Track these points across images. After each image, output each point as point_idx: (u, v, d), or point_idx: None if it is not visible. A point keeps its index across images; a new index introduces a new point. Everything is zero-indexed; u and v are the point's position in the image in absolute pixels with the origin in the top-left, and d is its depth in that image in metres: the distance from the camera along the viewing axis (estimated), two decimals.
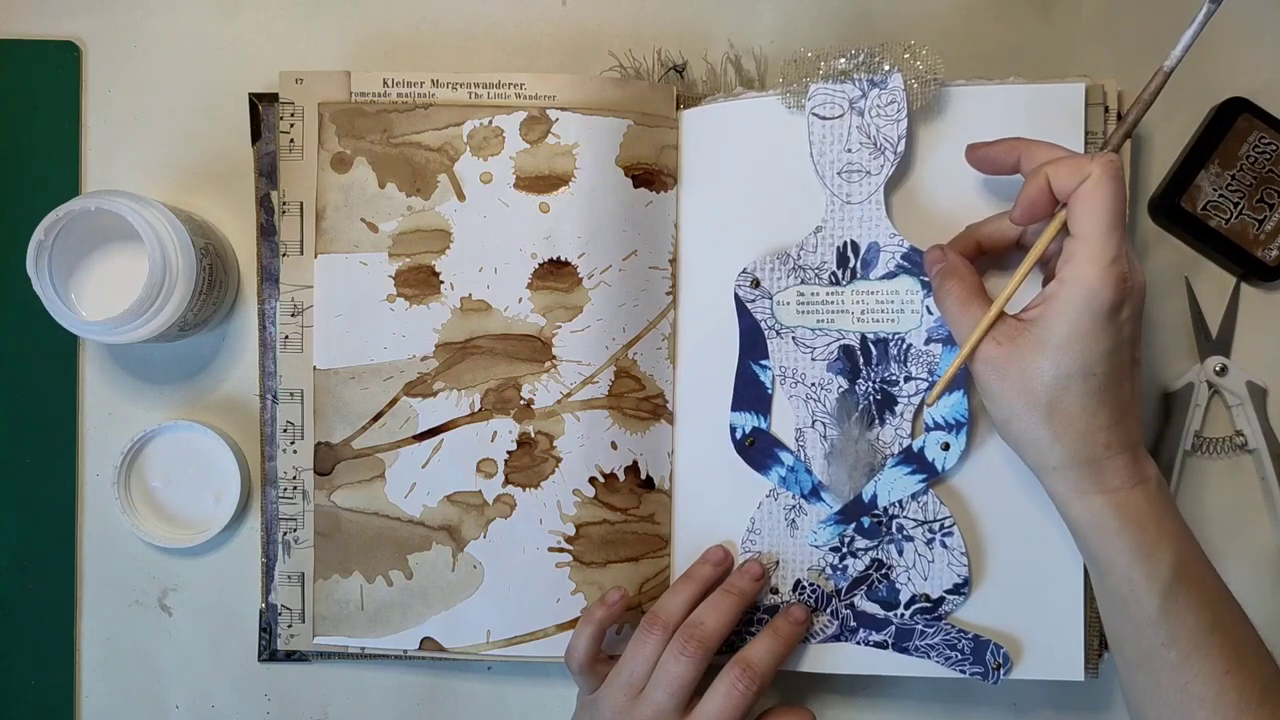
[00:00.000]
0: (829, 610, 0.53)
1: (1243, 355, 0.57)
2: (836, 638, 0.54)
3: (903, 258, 0.52)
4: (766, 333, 0.53)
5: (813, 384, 0.53)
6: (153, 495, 0.58)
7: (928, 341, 0.52)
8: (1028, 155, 0.47)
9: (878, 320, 0.52)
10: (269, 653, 0.58)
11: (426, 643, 0.55)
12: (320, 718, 0.59)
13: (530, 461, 0.55)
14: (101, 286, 0.54)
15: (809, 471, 0.53)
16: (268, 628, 0.57)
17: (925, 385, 0.52)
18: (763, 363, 0.53)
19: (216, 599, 0.59)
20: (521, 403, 0.55)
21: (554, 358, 0.55)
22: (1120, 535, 0.45)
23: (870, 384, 0.53)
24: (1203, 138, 0.56)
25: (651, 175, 0.55)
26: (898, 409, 0.52)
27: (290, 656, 0.57)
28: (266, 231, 0.56)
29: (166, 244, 0.51)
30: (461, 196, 0.55)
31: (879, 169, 0.52)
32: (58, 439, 0.59)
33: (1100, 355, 0.44)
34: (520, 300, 0.55)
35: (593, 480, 0.55)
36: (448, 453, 0.55)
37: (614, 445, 0.55)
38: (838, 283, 0.53)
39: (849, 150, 0.52)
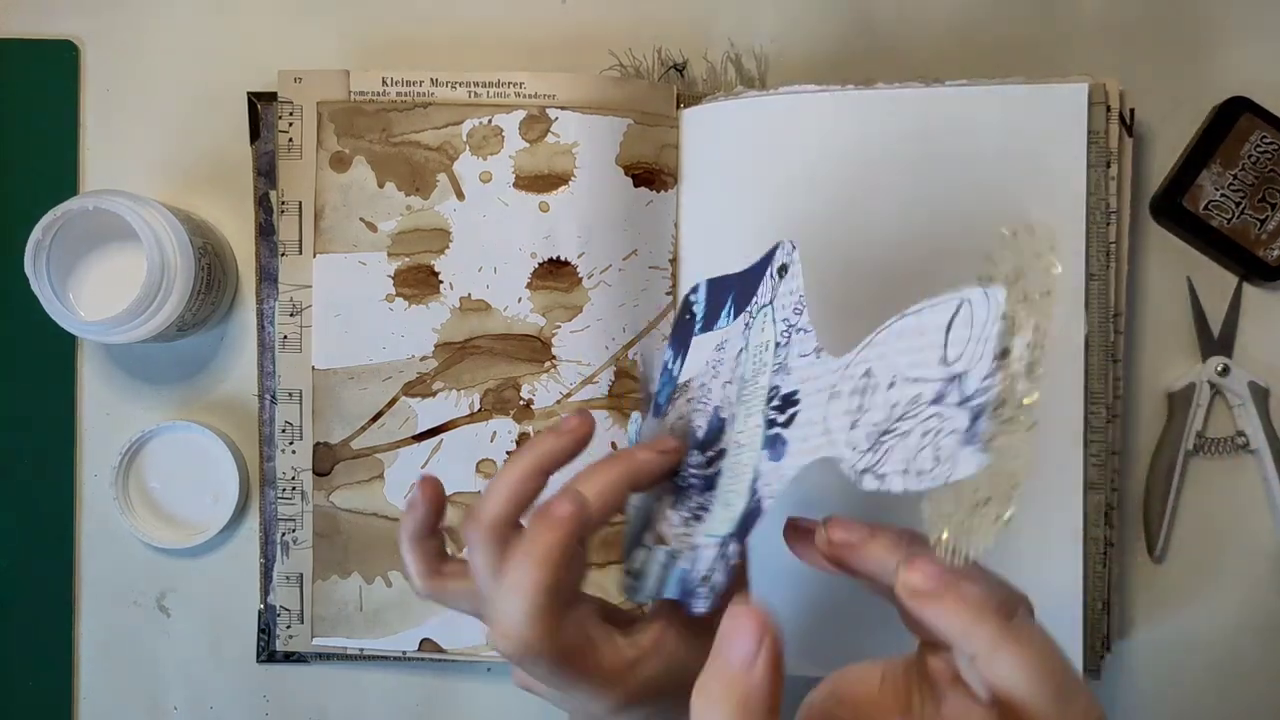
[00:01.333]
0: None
1: (1244, 355, 0.57)
2: None
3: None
4: (730, 306, 0.42)
5: (702, 386, 0.42)
6: (151, 496, 0.57)
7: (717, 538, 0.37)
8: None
9: (737, 454, 0.38)
10: (267, 654, 0.57)
11: (425, 644, 0.55)
12: (319, 719, 0.59)
13: None
14: (100, 286, 0.54)
15: (668, 389, 0.45)
16: (266, 629, 0.57)
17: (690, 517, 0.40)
18: (729, 306, 0.42)
19: (215, 600, 0.58)
20: (521, 403, 0.55)
21: (554, 358, 0.55)
22: None
23: (694, 469, 0.40)
24: (1204, 137, 0.56)
25: (651, 174, 0.55)
26: (684, 505, 0.40)
27: (289, 658, 0.57)
28: (265, 231, 0.56)
29: (165, 244, 0.51)
30: (461, 196, 0.55)
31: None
32: (56, 439, 0.58)
33: None
34: (520, 300, 0.55)
35: None
36: (447, 453, 0.55)
37: (614, 445, 0.55)
38: (773, 404, 0.37)
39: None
